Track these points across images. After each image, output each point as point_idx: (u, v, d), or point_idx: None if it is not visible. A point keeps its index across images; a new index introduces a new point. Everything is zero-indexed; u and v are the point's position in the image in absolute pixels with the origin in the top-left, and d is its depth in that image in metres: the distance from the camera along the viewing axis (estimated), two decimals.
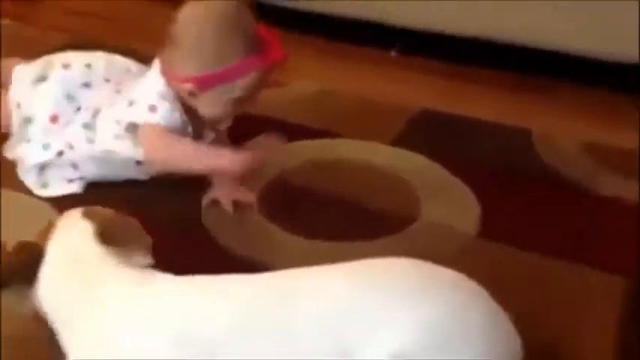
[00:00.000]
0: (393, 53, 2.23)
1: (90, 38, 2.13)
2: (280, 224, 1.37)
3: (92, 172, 1.40)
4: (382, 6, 2.12)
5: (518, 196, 1.48)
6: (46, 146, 1.40)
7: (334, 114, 1.79)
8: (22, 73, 1.48)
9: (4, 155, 1.47)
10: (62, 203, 1.34)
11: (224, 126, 1.43)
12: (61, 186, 1.40)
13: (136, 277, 0.92)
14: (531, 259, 1.30)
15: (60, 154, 1.40)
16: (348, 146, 1.64)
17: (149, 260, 0.97)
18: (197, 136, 1.39)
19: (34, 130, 1.42)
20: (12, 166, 1.46)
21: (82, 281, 0.92)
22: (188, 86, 1.28)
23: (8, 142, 1.48)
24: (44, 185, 1.41)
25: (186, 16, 1.29)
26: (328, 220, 1.39)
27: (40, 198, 1.40)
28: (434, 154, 1.60)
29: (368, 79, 2.06)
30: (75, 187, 1.39)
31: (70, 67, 1.45)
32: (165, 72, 1.31)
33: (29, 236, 1.19)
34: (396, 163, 1.57)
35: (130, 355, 0.85)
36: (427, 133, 1.73)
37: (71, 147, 1.39)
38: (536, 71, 2.03)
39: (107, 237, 0.95)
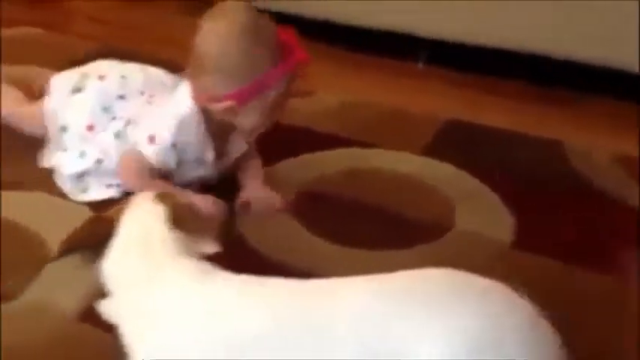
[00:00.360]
0: (420, 65, 2.24)
1: (115, 46, 2.15)
2: (315, 231, 1.37)
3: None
4: (408, 17, 2.13)
5: (550, 207, 1.48)
6: (82, 154, 1.42)
7: (362, 124, 1.80)
8: (59, 83, 1.50)
9: (41, 163, 1.48)
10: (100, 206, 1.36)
11: (254, 136, 1.43)
12: (99, 191, 1.41)
13: (195, 271, 0.93)
14: (566, 270, 1.29)
15: (98, 162, 1.41)
16: (379, 155, 1.65)
17: (216, 249, 0.99)
18: (220, 154, 1.40)
19: (69, 139, 1.43)
20: (46, 172, 1.47)
21: (146, 261, 0.94)
22: (227, 105, 1.28)
23: (43, 151, 1.49)
24: (84, 190, 1.42)
25: (207, 34, 1.28)
26: (362, 227, 1.39)
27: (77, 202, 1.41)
28: (464, 164, 1.60)
29: (394, 89, 2.07)
30: (113, 192, 1.39)
31: (105, 78, 1.47)
32: (197, 95, 1.31)
33: None
34: (427, 173, 1.57)
35: (177, 348, 0.86)
36: (456, 144, 1.73)
37: (106, 155, 1.41)
38: (560, 83, 2.03)
39: (177, 222, 0.97)
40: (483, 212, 1.44)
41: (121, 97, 1.44)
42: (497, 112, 1.91)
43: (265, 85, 1.27)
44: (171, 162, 1.34)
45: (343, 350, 0.83)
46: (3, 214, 1.35)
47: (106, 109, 1.43)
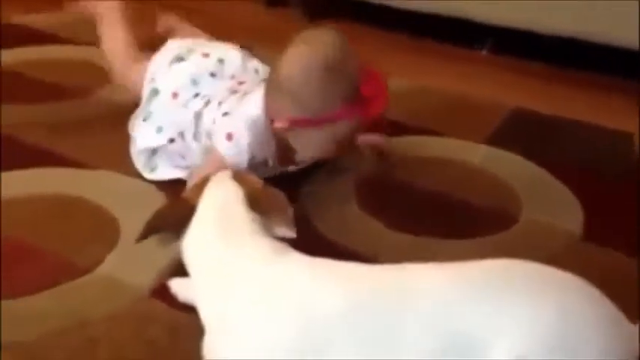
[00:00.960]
0: (483, 52, 2.21)
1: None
2: (380, 218, 1.37)
3: (198, 162, 1.42)
4: (473, 4, 2.10)
5: (619, 199, 1.46)
6: (159, 129, 1.43)
7: (428, 111, 1.79)
8: (168, 49, 1.53)
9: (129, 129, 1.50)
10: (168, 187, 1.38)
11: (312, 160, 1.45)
12: (168, 171, 1.42)
13: (272, 250, 0.94)
14: (635, 265, 1.26)
15: (171, 141, 1.43)
16: (444, 144, 1.64)
17: (291, 233, 1.00)
18: (287, 158, 1.40)
19: (156, 104, 1.45)
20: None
21: (226, 239, 0.96)
22: (279, 124, 1.29)
23: (134, 114, 1.50)
24: (152, 169, 1.43)
25: (292, 57, 1.28)
26: (427, 216, 1.39)
27: (145, 180, 1.43)
28: (530, 154, 1.58)
29: (459, 77, 2.05)
30: (181, 173, 1.41)
31: (208, 56, 1.49)
32: (266, 104, 1.32)
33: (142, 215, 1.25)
34: (493, 163, 1.55)
35: (253, 324, 0.87)
36: (522, 133, 1.71)
37: (182, 136, 1.42)
38: (633, 75, 1.98)
39: (254, 204, 0.99)
40: (551, 203, 1.42)
41: (212, 74, 1.46)
42: (564, 102, 1.88)
43: (329, 120, 1.27)
44: (244, 160, 1.33)
45: (415, 335, 0.83)
46: (72, 191, 1.38)
47: (194, 82, 1.44)
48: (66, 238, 1.25)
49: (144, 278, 1.16)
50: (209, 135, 1.37)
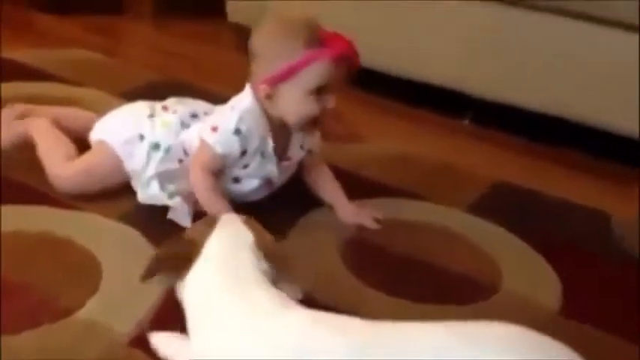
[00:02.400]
0: (466, 122, 2.26)
1: (174, 77, 2.20)
2: (360, 277, 1.37)
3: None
4: (458, 74, 2.16)
5: (599, 278, 1.48)
6: (167, 150, 1.47)
7: (410, 176, 1.81)
8: (123, 118, 1.55)
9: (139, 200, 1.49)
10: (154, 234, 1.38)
11: (313, 129, 1.50)
12: (181, 206, 1.44)
13: (274, 304, 0.94)
14: (611, 341, 1.28)
15: (180, 161, 1.48)
16: (426, 208, 1.66)
17: (297, 294, 1.00)
18: (281, 155, 1.49)
19: (163, 156, 1.48)
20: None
21: (230, 286, 0.95)
22: (263, 89, 1.39)
23: (134, 181, 1.50)
24: (171, 194, 1.46)
25: (257, 30, 1.41)
26: (406, 278, 1.40)
27: (130, 225, 1.43)
28: (511, 226, 1.61)
29: (442, 145, 2.09)
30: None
31: (168, 108, 1.54)
32: (251, 84, 1.43)
33: (125, 260, 1.24)
34: (475, 231, 1.58)
35: None
36: (503, 205, 1.74)
37: (186, 153, 1.48)
38: (614, 157, 2.04)
39: (262, 252, 0.99)
40: (531, 276, 1.44)
41: (193, 115, 1.51)
42: (543, 178, 1.92)
43: (295, 69, 1.35)
44: (234, 149, 1.41)
45: None
46: (59, 231, 1.37)
47: (185, 125, 1.50)
48: (50, 277, 1.24)
49: (123, 325, 1.15)
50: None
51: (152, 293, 1.21)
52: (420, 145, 2.03)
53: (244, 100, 1.44)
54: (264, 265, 0.98)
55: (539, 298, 1.38)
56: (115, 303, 1.20)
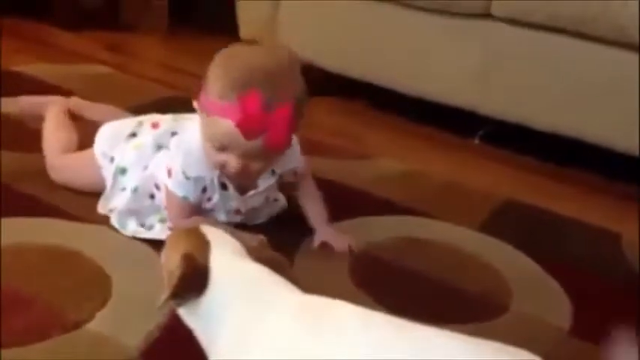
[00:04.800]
0: (476, 141, 2.26)
1: (185, 94, 2.21)
2: (369, 294, 1.37)
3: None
4: (468, 93, 2.16)
5: (607, 297, 1.48)
6: (134, 191, 1.46)
7: (420, 194, 1.81)
8: (111, 129, 1.55)
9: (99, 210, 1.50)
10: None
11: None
12: (163, 232, 1.42)
13: (305, 313, 0.92)
14: None
15: (152, 197, 1.47)
16: (436, 226, 1.65)
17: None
18: (242, 189, 1.44)
19: (128, 180, 1.48)
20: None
21: (253, 300, 0.92)
22: (196, 105, 1.35)
23: (102, 197, 1.51)
24: (149, 227, 1.45)
25: (225, 49, 1.36)
26: (415, 296, 1.39)
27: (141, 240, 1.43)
28: (521, 245, 1.60)
29: (451, 163, 2.09)
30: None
31: (158, 125, 1.51)
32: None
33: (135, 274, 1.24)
34: (484, 250, 1.57)
35: None
36: (513, 224, 1.73)
37: (158, 187, 1.46)
38: (625, 177, 2.04)
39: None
40: (541, 296, 1.44)
41: (174, 133, 1.47)
42: (553, 197, 1.91)
43: (207, 108, 1.31)
44: (190, 194, 1.39)
45: None
46: (68, 244, 1.37)
47: (159, 147, 1.47)
48: (58, 290, 1.24)
49: (133, 338, 1.15)
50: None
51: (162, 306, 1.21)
52: (430, 163, 2.03)
53: (189, 131, 1.40)
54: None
55: (549, 317, 1.37)
56: (125, 316, 1.20)
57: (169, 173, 1.39)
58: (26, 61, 2.34)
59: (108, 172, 1.50)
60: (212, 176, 1.40)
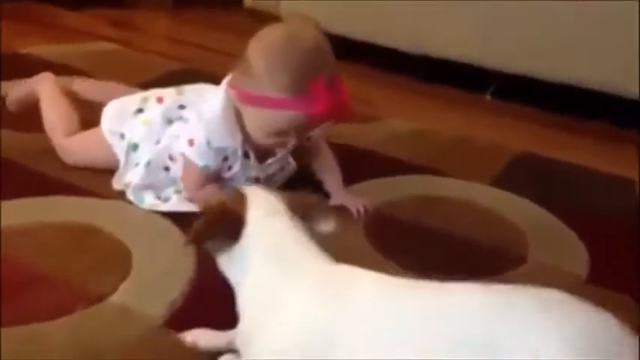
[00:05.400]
0: (487, 96, 2.25)
1: (194, 67, 2.21)
2: (387, 255, 1.38)
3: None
4: (477, 49, 2.15)
5: (624, 244, 1.48)
6: (147, 164, 1.46)
7: (433, 152, 1.82)
8: (117, 107, 1.54)
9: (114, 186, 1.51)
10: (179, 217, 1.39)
11: (283, 151, 1.47)
12: (180, 204, 1.44)
13: (328, 284, 0.92)
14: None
15: (166, 169, 1.47)
16: (449, 184, 1.66)
17: (333, 224, 1.00)
18: (261, 158, 1.46)
19: (141, 156, 1.48)
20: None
21: (281, 262, 0.94)
22: (232, 93, 1.35)
23: (117, 174, 1.51)
24: (165, 200, 1.46)
25: (257, 38, 1.33)
26: (433, 254, 1.40)
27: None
28: (535, 197, 1.60)
29: (463, 120, 2.09)
30: (193, 207, 1.41)
31: (163, 100, 1.51)
32: (229, 82, 1.37)
33: (154, 245, 1.25)
34: (499, 204, 1.58)
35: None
36: (526, 176, 1.74)
37: (172, 159, 1.46)
38: (634, 125, 2.03)
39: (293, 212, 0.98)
40: (557, 246, 1.45)
41: (181, 107, 1.48)
42: (565, 148, 1.91)
43: (264, 102, 1.30)
44: (210, 161, 1.40)
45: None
46: (84, 220, 1.39)
47: (169, 121, 1.48)
48: (79, 266, 1.26)
49: (157, 308, 1.16)
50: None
51: (183, 275, 1.23)
52: (442, 122, 2.03)
53: (213, 103, 1.39)
54: (302, 224, 0.97)
55: (566, 266, 1.38)
56: (147, 287, 1.21)
57: (190, 143, 1.40)
58: (32, 42, 2.34)
59: (119, 149, 1.51)
60: (235, 146, 1.41)
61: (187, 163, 1.42)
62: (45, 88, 1.67)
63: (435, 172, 1.70)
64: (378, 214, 1.51)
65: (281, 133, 1.34)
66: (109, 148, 1.52)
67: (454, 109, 2.16)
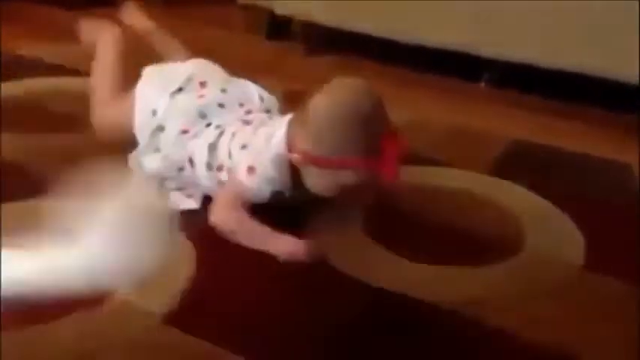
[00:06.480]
0: (482, 84, 2.26)
1: None
2: (385, 245, 1.39)
3: (212, 189, 1.43)
4: (471, 38, 2.15)
5: (622, 230, 1.49)
6: (164, 158, 1.44)
7: (428, 142, 1.82)
8: (161, 77, 1.52)
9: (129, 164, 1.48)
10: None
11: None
12: (180, 200, 1.44)
13: None
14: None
15: (180, 169, 1.44)
16: (446, 173, 1.67)
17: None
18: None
19: (164, 140, 1.45)
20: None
21: None
22: (295, 157, 1.31)
23: (136, 150, 1.49)
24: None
25: (323, 100, 1.30)
26: (432, 244, 1.41)
27: None
28: (531, 185, 1.61)
29: (458, 109, 2.09)
30: (193, 203, 1.43)
31: (206, 86, 1.49)
32: (288, 136, 1.34)
33: None
34: (496, 193, 1.59)
35: None
36: (523, 164, 1.74)
37: (192, 163, 1.43)
38: (629, 109, 2.03)
39: None
40: (554, 233, 1.45)
41: (220, 105, 1.46)
42: (561, 135, 1.92)
43: (335, 164, 1.28)
44: (266, 193, 1.36)
45: None
46: None
47: (202, 115, 1.45)
48: None
49: (157, 304, 1.17)
50: (220, 167, 1.40)
51: (184, 270, 1.24)
52: (437, 111, 2.04)
53: (279, 142, 1.34)
54: None
55: (563, 253, 1.38)
56: (149, 283, 1.22)
57: (251, 170, 1.35)
58: (29, 43, 2.35)
59: (147, 126, 1.47)
60: (287, 190, 1.38)
61: (236, 186, 1.36)
62: (107, 40, 1.69)
63: (430, 162, 1.71)
64: (375, 203, 1.52)
65: (348, 189, 1.31)
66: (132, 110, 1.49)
67: (449, 98, 2.17)
